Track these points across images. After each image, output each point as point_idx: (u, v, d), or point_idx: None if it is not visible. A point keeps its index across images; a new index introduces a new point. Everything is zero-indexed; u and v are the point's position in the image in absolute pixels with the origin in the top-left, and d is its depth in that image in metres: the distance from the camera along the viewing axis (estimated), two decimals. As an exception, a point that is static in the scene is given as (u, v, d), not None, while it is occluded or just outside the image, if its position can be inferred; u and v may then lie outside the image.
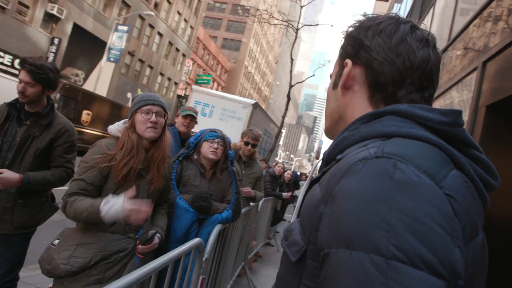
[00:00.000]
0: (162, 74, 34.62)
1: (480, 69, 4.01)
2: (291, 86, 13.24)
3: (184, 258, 1.78)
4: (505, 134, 3.56)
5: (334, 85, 0.83)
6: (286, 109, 13.31)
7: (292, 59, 13.32)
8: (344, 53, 0.80)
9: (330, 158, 0.72)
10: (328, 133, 0.88)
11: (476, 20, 4.74)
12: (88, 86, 22.63)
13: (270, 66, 76.46)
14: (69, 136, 2.45)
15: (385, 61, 0.72)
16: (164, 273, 1.72)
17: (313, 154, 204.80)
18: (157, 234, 1.94)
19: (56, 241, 1.80)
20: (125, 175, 1.84)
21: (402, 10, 13.39)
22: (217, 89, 42.03)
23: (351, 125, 0.72)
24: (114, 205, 1.64)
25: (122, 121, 2.05)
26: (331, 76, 0.86)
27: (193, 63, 39.32)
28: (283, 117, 13.55)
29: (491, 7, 4.38)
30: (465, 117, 3.98)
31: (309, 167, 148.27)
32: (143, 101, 1.94)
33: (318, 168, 0.85)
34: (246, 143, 4.06)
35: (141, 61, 30.78)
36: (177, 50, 36.04)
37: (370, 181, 0.55)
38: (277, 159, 31.31)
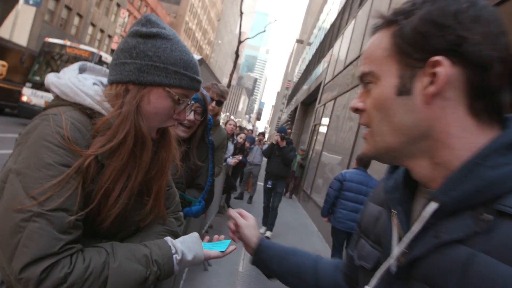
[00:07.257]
0: (93, 25, 31.13)
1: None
2: (239, 42, 12.40)
3: None
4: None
5: (401, 91, 0.60)
6: (234, 66, 12.49)
7: (241, 12, 12.40)
8: (422, 46, 0.58)
9: (464, 205, 0.55)
10: (387, 153, 0.64)
11: None
12: (2, 33, 19.59)
13: (212, 24, 73.41)
14: None
15: (498, 57, 0.55)
16: None
17: (252, 116, 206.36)
18: None
19: None
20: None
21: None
22: (155, 45, 39.31)
23: (483, 158, 0.54)
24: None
25: (74, 67, 1.03)
26: (376, 76, 0.63)
27: (129, 15, 36.10)
28: (231, 75, 12.75)
29: None
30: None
31: (249, 127, 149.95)
32: (187, 77, 1.00)
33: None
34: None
35: (68, 8, 27.17)
36: (110, -2, 32.57)
37: None
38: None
